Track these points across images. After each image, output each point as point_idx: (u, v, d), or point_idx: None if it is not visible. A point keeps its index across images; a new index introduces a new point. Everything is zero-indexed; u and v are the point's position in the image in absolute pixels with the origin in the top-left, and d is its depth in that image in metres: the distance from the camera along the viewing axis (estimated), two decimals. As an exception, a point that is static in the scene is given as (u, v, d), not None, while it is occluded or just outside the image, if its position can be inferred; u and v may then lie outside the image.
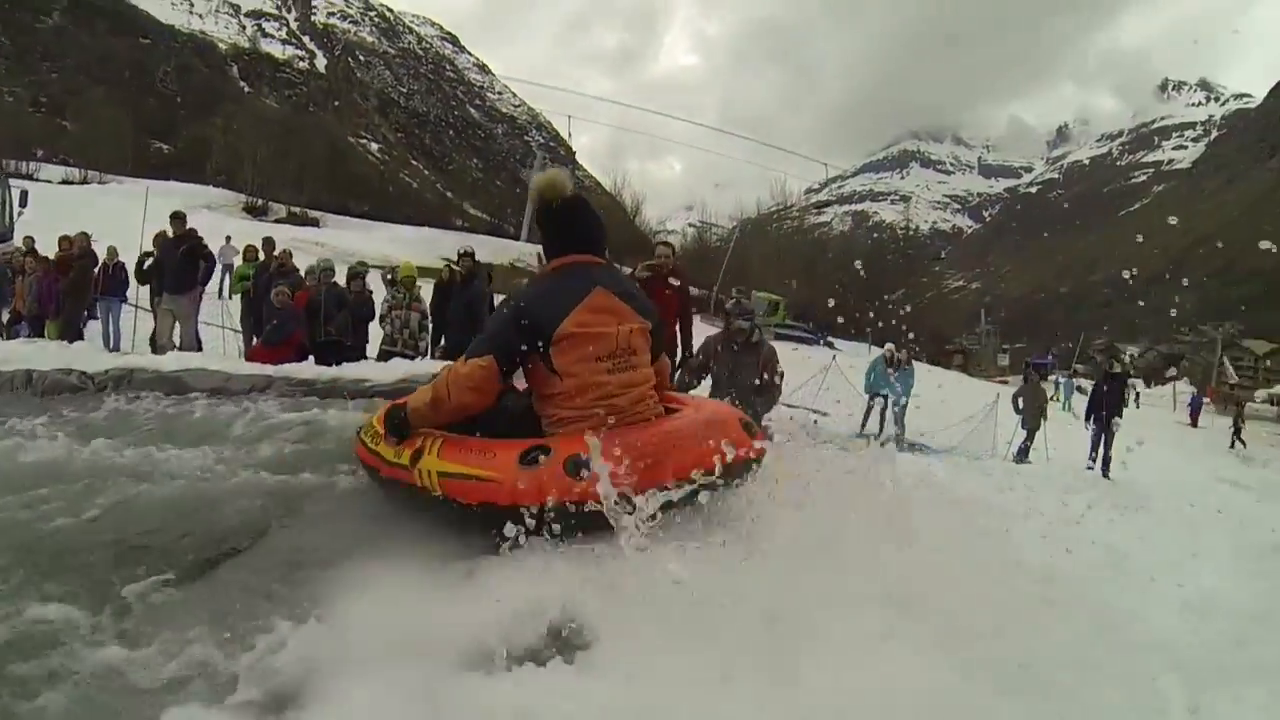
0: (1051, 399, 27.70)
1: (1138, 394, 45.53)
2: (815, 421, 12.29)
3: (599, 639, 2.56)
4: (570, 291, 3.29)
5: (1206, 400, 48.52)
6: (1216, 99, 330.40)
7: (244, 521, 3.57)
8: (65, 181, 49.71)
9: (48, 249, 13.89)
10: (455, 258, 10.33)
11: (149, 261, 11.79)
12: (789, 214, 71.64)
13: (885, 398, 13.85)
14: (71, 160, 59.11)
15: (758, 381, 6.62)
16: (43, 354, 7.91)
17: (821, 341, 39.17)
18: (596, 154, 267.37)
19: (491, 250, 47.26)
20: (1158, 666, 3.92)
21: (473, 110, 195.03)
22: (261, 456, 4.67)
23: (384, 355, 9.40)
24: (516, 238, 56.91)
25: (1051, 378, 43.82)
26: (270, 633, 2.55)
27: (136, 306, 13.53)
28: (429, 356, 9.77)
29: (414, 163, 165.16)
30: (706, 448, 3.10)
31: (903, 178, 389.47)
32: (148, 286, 12.50)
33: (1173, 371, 57.66)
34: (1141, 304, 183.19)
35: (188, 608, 2.80)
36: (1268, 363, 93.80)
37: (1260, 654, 4.99)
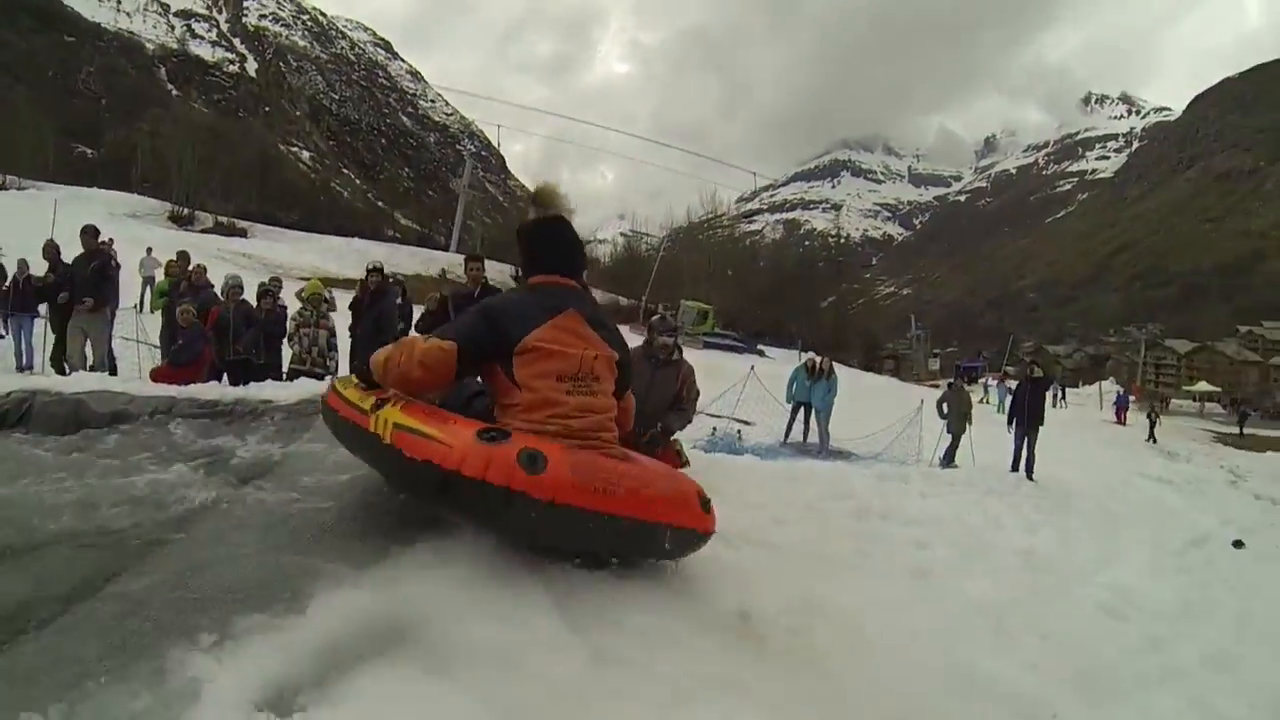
0: (982, 401, 28.27)
1: (1062, 394, 46.75)
2: (739, 431, 12.42)
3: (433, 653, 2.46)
4: (542, 308, 3.30)
5: (1133, 398, 49.93)
6: (1138, 112, 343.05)
7: (123, 557, 3.41)
8: (-17, 187, 47.97)
9: (-41, 260, 13.38)
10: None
11: (40, 282, 11.38)
12: (720, 223, 72.08)
13: (808, 406, 13.82)
14: (-12, 164, 56.80)
15: (673, 398, 6.55)
16: (-53, 375, 7.60)
17: (752, 349, 39.38)
18: (529, 163, 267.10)
19: (421, 261, 47.08)
20: (1060, 682, 3.89)
21: (405, 118, 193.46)
22: (153, 482, 4.49)
23: (293, 375, 9.07)
24: (446, 248, 56.24)
25: (981, 381, 44.61)
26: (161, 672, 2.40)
27: (48, 320, 13.07)
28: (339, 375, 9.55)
29: (345, 171, 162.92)
30: (659, 498, 3.10)
31: (834, 186, 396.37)
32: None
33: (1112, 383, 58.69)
34: (1068, 307, 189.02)
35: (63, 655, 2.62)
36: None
37: (1174, 656, 5.12)
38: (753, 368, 14.03)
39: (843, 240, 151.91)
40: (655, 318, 7.29)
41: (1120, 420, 34.89)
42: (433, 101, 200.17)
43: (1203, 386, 61.45)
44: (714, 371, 14.97)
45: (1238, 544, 10.26)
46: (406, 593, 2.74)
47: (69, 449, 5.38)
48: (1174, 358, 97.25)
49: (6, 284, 12.71)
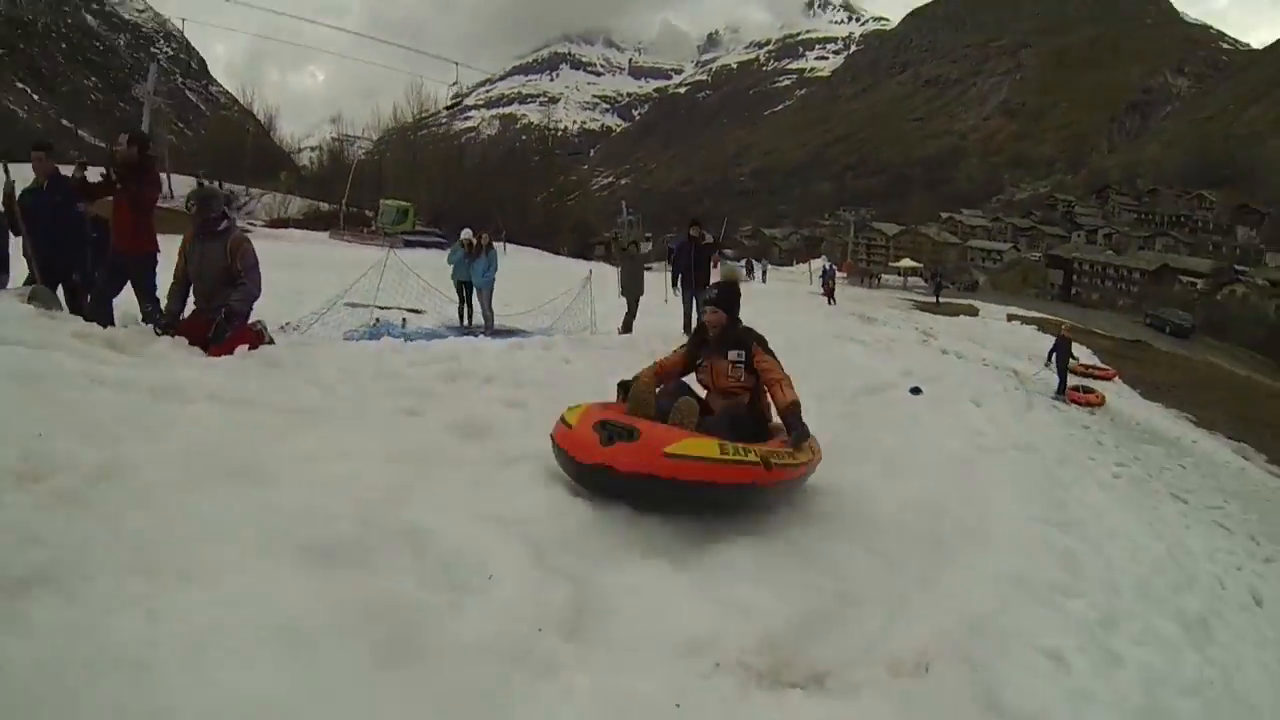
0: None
1: (765, 270, 48.89)
2: (404, 320, 11.44)
3: None
4: None
5: (843, 274, 52.97)
6: (857, 19, 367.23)
7: None
8: None
9: None
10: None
11: None
12: (435, 121, 68.84)
13: (470, 285, 12.94)
14: None
15: (225, 270, 6.43)
16: None
17: (453, 243, 38.33)
18: (234, 64, 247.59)
19: (112, 182, 41.98)
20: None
21: (89, 17, 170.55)
22: None
23: None
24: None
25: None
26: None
27: None
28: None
29: (19, 85, 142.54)
30: None
31: (552, 80, 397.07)
32: None
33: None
34: (784, 194, 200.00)
35: None
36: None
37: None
38: (389, 251, 12.90)
39: (559, 133, 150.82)
40: (196, 188, 7.30)
41: (828, 296, 36.33)
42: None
43: (907, 263, 66.08)
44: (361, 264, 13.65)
45: (915, 391, 10.40)
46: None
47: None
48: (883, 239, 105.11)
49: None
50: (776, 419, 5.31)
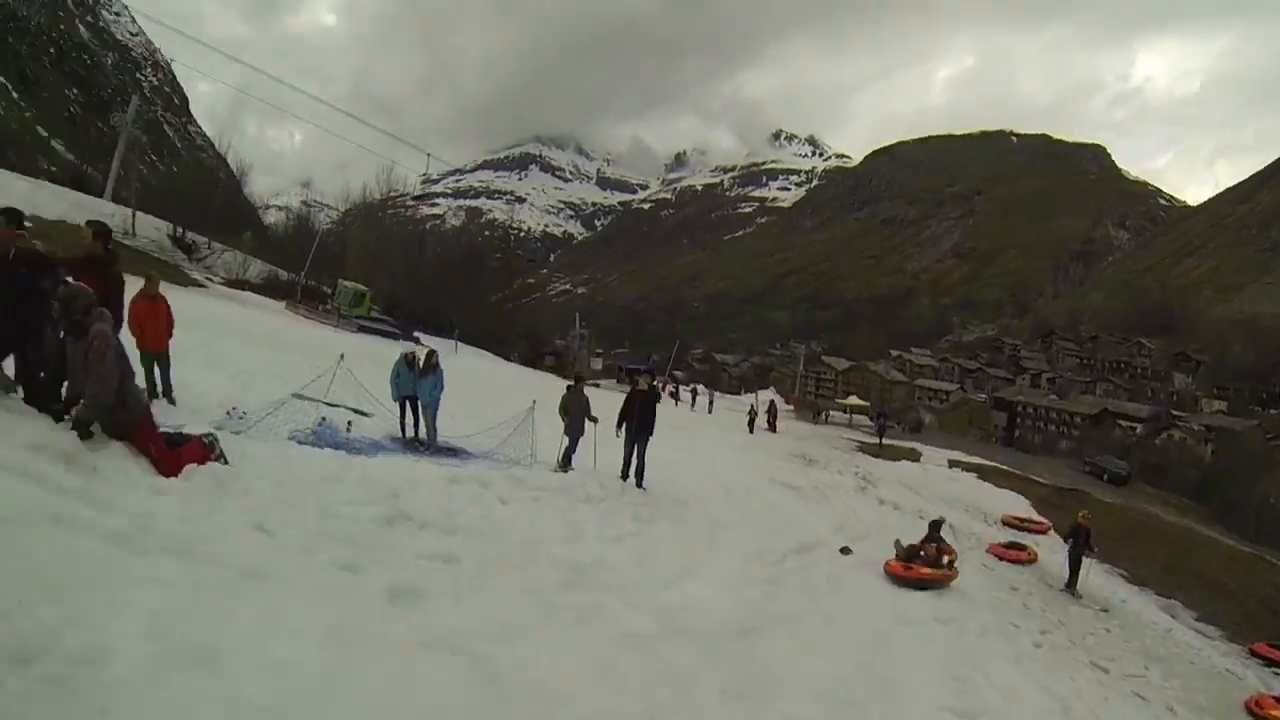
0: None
1: (712, 399, 48.91)
2: (349, 425, 11.18)
3: None
4: None
5: (790, 408, 52.84)
6: (821, 154, 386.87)
7: None
8: None
9: None
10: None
11: None
12: (402, 203, 67.57)
13: (414, 400, 12.53)
14: None
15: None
16: None
17: (407, 335, 37.81)
18: (215, 109, 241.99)
19: (70, 204, 39.98)
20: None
21: (83, 29, 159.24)
22: None
23: None
24: (100, 194, 48.35)
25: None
26: None
27: None
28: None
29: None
30: None
31: (521, 179, 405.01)
32: None
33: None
34: (737, 319, 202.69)
35: None
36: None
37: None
38: (342, 356, 12.53)
39: (522, 233, 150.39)
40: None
41: (771, 428, 36.24)
42: (117, 14, 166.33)
43: (853, 401, 65.48)
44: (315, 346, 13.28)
45: (845, 551, 10.47)
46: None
47: None
48: (832, 373, 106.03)
49: None
50: None
